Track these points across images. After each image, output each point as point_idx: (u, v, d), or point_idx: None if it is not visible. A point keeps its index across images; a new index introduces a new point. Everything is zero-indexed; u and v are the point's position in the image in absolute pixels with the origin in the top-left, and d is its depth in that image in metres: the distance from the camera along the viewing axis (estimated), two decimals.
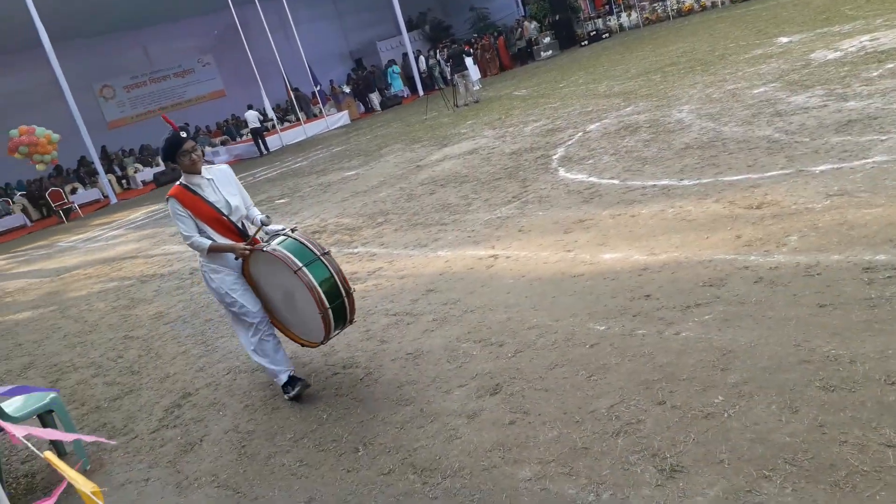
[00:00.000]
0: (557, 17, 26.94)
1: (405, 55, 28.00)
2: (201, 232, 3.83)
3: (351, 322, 4.02)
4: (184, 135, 3.76)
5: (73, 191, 21.93)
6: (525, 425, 3.06)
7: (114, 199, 20.72)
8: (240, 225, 3.98)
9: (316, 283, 3.68)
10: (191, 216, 3.80)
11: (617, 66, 16.20)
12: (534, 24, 27.55)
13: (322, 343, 3.99)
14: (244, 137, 25.62)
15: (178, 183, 3.85)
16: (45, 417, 4.18)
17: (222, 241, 3.85)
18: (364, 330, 4.74)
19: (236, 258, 3.89)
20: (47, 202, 20.11)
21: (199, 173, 3.86)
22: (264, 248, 3.76)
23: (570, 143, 8.94)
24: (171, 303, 7.04)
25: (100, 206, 20.78)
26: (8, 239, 19.07)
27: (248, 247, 3.81)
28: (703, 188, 5.54)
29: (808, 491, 2.22)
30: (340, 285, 3.82)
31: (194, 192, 3.84)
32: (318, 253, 3.82)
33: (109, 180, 21.79)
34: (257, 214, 4.06)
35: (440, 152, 11.42)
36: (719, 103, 8.47)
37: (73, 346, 6.57)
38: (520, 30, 28.21)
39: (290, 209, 10.36)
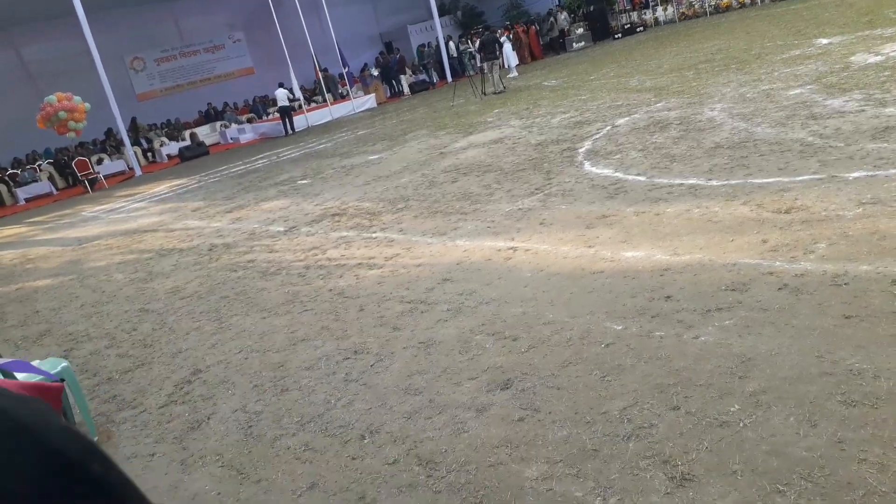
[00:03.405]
0: (592, 9, 26.61)
1: (436, 40, 27.84)
2: None
3: None
4: None
5: (99, 161, 22.13)
6: (534, 423, 3.02)
7: (139, 172, 20.89)
8: None
9: None
10: None
11: (650, 60, 15.96)
12: (563, 15, 27.25)
13: None
14: (270, 116, 25.67)
15: None
16: None
17: None
18: (378, 316, 4.71)
19: None
20: (73, 171, 20.33)
21: None
22: None
23: (597, 136, 8.83)
24: (188, 278, 7.07)
25: (125, 178, 20.96)
26: (34, 206, 19.33)
27: None
28: (731, 189, 5.42)
29: None
30: None
31: None
32: None
33: (135, 153, 21.95)
34: None
35: (465, 140, 11.35)
36: (753, 103, 8.29)
37: (90, 315, 6.62)
38: (552, 19, 27.92)
39: (311, 190, 10.36)
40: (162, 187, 16.10)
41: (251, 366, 4.46)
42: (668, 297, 3.88)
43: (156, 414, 4.12)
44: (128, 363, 5.08)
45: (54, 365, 4.15)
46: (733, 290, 3.76)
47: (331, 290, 5.53)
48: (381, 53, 30.78)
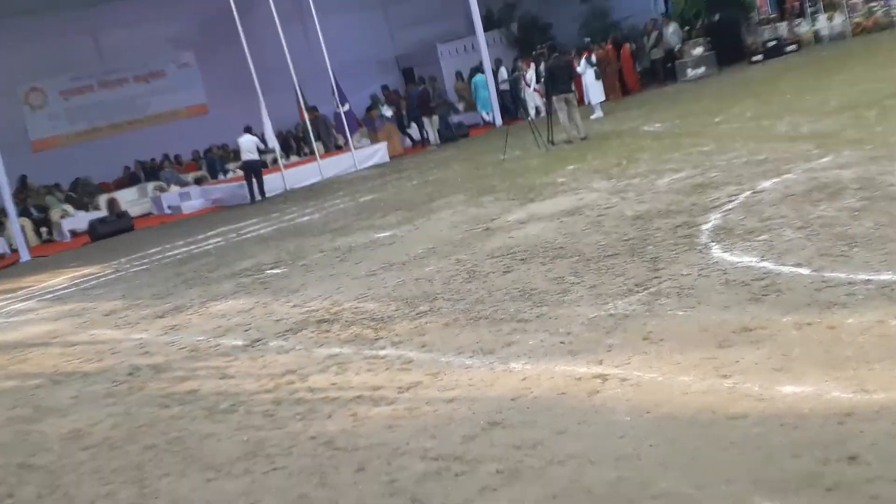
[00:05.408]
0: (717, 18, 27.27)
1: (480, 65, 28.53)
2: None
3: None
4: None
5: None
6: None
7: (26, 256, 21.33)
8: None
9: None
10: None
11: (807, 93, 16.19)
12: (672, 28, 27.86)
13: None
14: (229, 175, 26.30)
15: None
16: None
17: None
18: (387, 480, 4.62)
19: None
20: None
21: None
22: None
23: (730, 206, 8.87)
24: (96, 417, 7.07)
25: (4, 265, 21.44)
26: None
27: None
28: None
29: None
30: None
31: None
32: None
33: (23, 226, 22.45)
34: None
35: (523, 210, 11.48)
36: None
37: None
38: (656, 34, 28.59)
39: (287, 285, 10.46)
40: (60, 279, 16.42)
41: None
42: (853, 457, 3.76)
43: None
44: None
45: None
46: None
47: (313, 437, 5.48)
48: (406, 84, 31.63)
